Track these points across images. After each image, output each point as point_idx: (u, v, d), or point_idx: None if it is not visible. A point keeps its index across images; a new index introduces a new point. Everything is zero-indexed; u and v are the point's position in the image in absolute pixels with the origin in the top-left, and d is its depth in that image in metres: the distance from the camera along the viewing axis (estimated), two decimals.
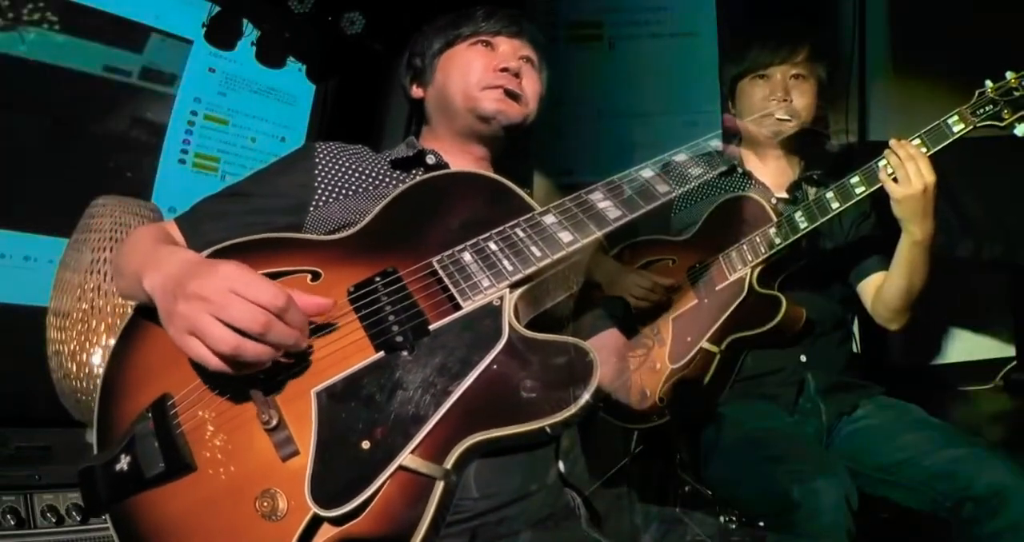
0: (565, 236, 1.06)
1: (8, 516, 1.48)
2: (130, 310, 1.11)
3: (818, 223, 1.72)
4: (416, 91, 1.46)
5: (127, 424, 0.99)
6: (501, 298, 1.02)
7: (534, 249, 1.05)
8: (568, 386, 0.93)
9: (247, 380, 0.96)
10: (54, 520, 1.50)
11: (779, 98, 1.86)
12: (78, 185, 2.31)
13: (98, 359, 1.73)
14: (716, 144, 1.22)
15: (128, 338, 1.07)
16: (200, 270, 0.94)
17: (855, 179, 1.68)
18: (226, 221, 1.17)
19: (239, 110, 3.04)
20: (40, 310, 1.83)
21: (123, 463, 0.95)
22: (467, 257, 1.05)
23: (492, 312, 1.01)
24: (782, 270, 1.84)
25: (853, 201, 1.68)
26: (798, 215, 1.74)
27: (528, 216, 1.09)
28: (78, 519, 1.55)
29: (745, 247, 1.81)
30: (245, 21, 2.85)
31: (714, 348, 1.80)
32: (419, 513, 0.87)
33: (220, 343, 0.88)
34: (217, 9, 2.79)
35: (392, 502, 0.89)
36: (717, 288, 1.83)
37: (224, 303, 0.88)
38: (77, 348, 1.74)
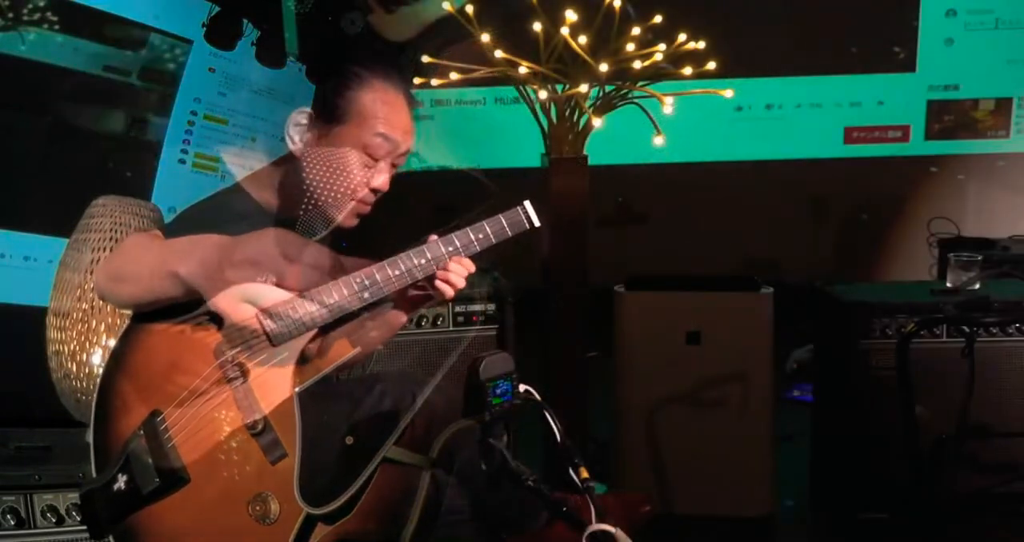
0: None
1: (8, 516, 1.48)
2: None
3: None
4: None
5: (122, 445, 1.00)
6: None
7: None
8: None
9: (232, 386, 0.98)
10: (54, 520, 1.50)
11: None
12: (78, 185, 2.32)
13: (98, 359, 1.73)
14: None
15: (115, 363, 1.09)
16: (244, 240, 0.96)
17: None
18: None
19: (239, 110, 3.04)
20: (40, 310, 1.83)
21: (120, 482, 0.97)
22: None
23: None
24: None
25: None
26: None
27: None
28: (78, 519, 1.55)
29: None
30: (245, 21, 2.85)
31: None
32: (409, 504, 0.88)
33: (278, 305, 0.91)
34: (217, 9, 2.79)
35: (382, 495, 0.90)
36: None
37: (276, 267, 0.92)
38: (77, 348, 1.74)
